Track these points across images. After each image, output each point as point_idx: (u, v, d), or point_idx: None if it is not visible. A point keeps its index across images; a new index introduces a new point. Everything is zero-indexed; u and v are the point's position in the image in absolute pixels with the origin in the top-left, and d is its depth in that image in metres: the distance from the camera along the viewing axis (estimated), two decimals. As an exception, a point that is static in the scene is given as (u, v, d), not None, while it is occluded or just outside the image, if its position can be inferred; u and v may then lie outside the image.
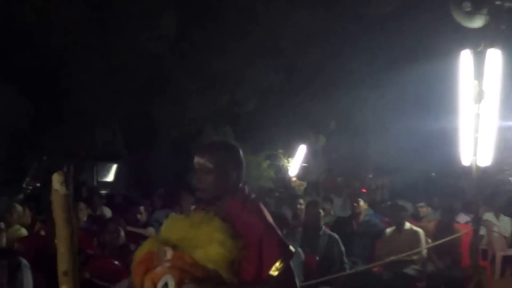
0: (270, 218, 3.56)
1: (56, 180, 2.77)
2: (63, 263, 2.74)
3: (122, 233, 7.92)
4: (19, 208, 9.67)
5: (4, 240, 6.13)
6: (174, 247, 3.26)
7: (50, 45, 19.07)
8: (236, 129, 20.32)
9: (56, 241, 2.73)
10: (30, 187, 17.27)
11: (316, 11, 19.49)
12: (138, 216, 10.27)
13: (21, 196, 15.02)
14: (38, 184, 17.52)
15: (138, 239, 8.57)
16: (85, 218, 10.23)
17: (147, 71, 19.38)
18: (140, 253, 3.38)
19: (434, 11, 16.22)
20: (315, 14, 19.57)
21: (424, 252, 9.28)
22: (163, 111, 20.10)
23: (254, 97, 20.19)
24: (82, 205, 10.18)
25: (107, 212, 12.02)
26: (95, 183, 17.64)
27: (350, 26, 20.01)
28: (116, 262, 6.92)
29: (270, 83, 19.92)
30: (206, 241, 3.25)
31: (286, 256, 3.48)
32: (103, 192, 16.69)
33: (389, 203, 12.53)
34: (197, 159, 3.59)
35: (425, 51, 18.30)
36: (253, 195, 3.70)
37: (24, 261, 6.01)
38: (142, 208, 10.42)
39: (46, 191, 10.37)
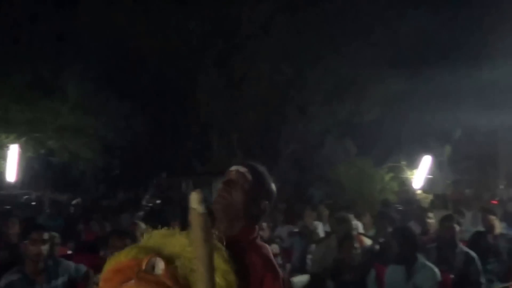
0: (276, 264, 3.23)
1: (194, 198, 2.76)
2: (202, 283, 2.73)
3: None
4: (142, 225, 9.84)
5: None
6: (168, 261, 2.84)
7: (170, 65, 19.66)
8: (358, 141, 20.19)
9: (195, 260, 2.72)
10: (150, 204, 17.67)
11: (439, 19, 19.22)
12: (260, 232, 10.23)
13: (141, 213, 15.36)
14: (158, 201, 17.90)
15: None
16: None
17: (266, 85, 19.60)
18: (121, 258, 2.89)
19: None
20: (438, 22, 19.31)
21: None
22: (283, 124, 20.24)
23: (376, 107, 20.02)
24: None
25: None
26: (213, 199, 17.82)
27: (475, 34, 19.64)
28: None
29: (393, 92, 19.69)
30: None
31: None
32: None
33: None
34: (236, 167, 3.34)
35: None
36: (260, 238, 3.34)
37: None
38: (265, 224, 10.39)
39: (166, 208, 10.64)
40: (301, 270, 9.87)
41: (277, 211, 14.18)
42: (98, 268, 6.45)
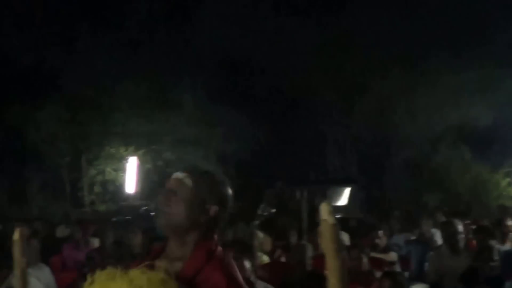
0: (239, 278, 2.77)
1: (325, 209, 2.68)
2: None
3: (365, 259, 7.82)
4: (260, 235, 9.87)
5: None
6: None
7: (285, 75, 19.81)
8: (473, 146, 19.71)
9: (326, 272, 2.64)
10: (266, 213, 17.71)
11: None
12: (377, 240, 10.08)
13: (257, 222, 15.40)
14: (273, 210, 17.92)
15: (381, 264, 8.43)
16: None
17: (377, 92, 19.45)
18: None
19: None
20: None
21: None
22: (396, 131, 20.03)
23: (491, 111, 19.48)
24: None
25: (345, 238, 11.93)
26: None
27: None
28: (363, 290, 6.82)
29: (508, 95, 19.14)
30: None
31: None
32: (337, 216, 16.75)
33: None
34: (175, 175, 2.88)
35: None
36: (220, 249, 2.85)
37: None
38: (381, 232, 10.22)
39: (281, 216, 10.63)
40: (419, 278, 9.64)
41: (393, 219, 13.95)
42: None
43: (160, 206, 2.83)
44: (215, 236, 2.86)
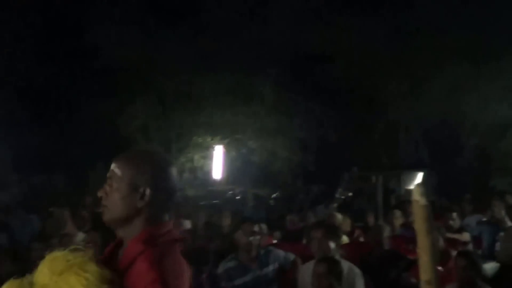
0: (168, 271, 2.37)
1: (416, 191, 2.80)
2: (426, 272, 2.73)
3: (441, 240, 7.84)
4: (339, 216, 10.02)
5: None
6: None
7: (357, 65, 19.82)
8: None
9: (417, 250, 2.76)
10: (343, 197, 17.83)
11: None
12: (451, 222, 10.13)
13: (335, 205, 15.51)
14: (350, 194, 18.02)
15: (455, 244, 8.48)
16: (399, 225, 10.31)
17: (447, 82, 19.26)
18: None
19: None
20: None
21: None
22: (465, 118, 19.81)
23: None
24: (398, 213, 10.27)
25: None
26: (402, 191, 17.69)
27: None
28: (439, 268, 6.87)
29: None
30: None
31: None
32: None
33: None
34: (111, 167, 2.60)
35: None
36: (170, 237, 2.51)
37: (356, 270, 6.16)
38: (455, 214, 10.26)
39: (357, 200, 10.72)
40: (490, 257, 9.68)
41: (464, 201, 13.90)
42: (302, 256, 6.70)
43: (100, 199, 2.57)
44: (164, 221, 2.56)
